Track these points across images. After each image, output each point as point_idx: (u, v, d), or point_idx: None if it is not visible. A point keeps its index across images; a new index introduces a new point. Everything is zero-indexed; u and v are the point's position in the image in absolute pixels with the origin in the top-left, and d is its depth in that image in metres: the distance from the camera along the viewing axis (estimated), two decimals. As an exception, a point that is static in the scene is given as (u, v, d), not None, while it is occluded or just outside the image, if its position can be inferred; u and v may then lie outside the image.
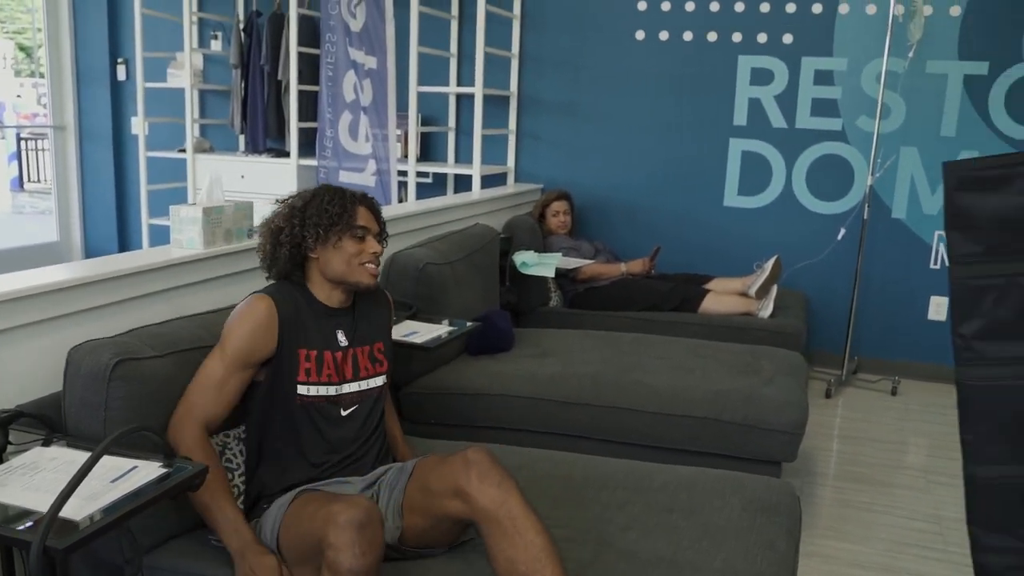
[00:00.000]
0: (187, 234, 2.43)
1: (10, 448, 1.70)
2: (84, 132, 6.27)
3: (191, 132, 5.34)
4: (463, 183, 5.18)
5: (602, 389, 2.92)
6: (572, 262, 4.26)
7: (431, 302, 3.08)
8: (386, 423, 2.24)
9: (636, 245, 4.84)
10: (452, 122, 5.29)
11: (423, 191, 5.11)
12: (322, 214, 2.01)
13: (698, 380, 2.97)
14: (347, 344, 2.05)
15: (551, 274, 3.98)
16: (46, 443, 1.74)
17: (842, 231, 4.49)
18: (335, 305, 2.07)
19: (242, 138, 5.73)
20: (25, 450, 1.70)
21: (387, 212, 3.54)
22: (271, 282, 2.10)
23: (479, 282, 3.54)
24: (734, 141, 4.76)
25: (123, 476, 1.58)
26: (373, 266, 2.06)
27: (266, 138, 5.55)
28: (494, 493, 1.73)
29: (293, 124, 4.97)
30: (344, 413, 2.03)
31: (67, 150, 6.30)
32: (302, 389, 1.97)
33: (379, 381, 2.12)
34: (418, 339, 2.61)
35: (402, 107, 4.71)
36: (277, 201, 2.12)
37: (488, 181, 4.93)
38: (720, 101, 4.75)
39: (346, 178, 4.34)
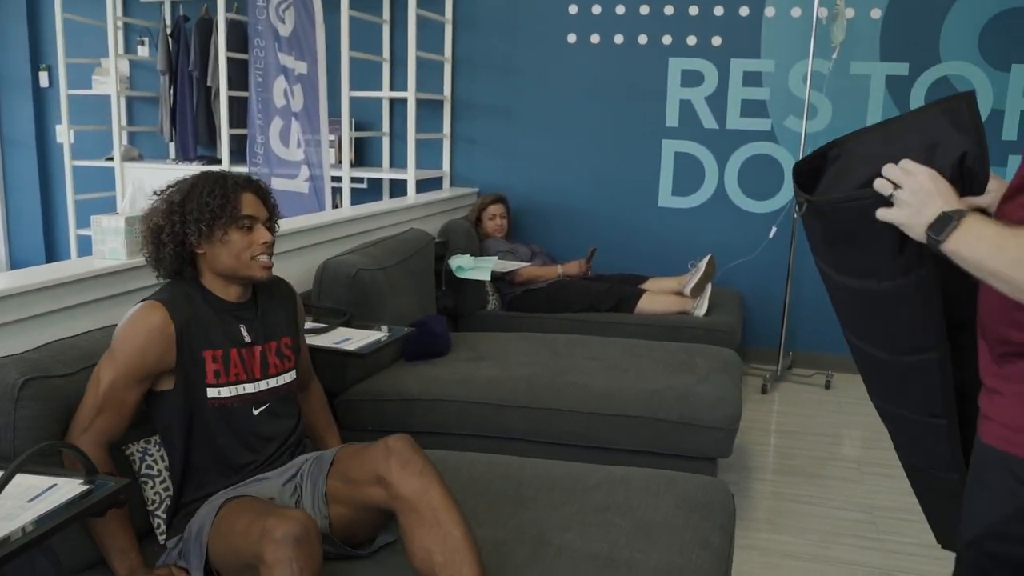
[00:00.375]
0: (109, 244, 2.37)
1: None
2: (6, 140, 6.07)
3: (119, 140, 5.22)
4: (399, 188, 5.15)
5: (537, 391, 2.93)
6: (509, 265, 4.27)
7: (365, 308, 3.05)
8: (311, 418, 2.20)
9: (572, 247, 4.87)
10: (386, 127, 5.26)
11: (358, 196, 5.07)
12: (203, 208, 1.86)
13: (633, 379, 3.00)
14: (251, 341, 1.97)
15: (487, 277, 3.98)
16: (-41, 463, 1.68)
17: (774, 229, 4.58)
18: (234, 299, 1.97)
19: (172, 145, 5.62)
20: (-63, 471, 1.64)
21: (321, 219, 3.52)
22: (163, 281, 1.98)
23: (414, 287, 3.52)
24: (667, 142, 4.82)
25: (41, 495, 1.53)
26: (265, 258, 1.94)
27: (197, 145, 5.45)
28: (415, 483, 1.71)
29: (224, 131, 4.89)
30: (256, 412, 1.96)
31: (-11, 160, 6.10)
32: (212, 392, 1.89)
33: (289, 377, 2.04)
34: (352, 346, 2.58)
35: (334, 112, 4.67)
36: (154, 193, 1.98)
37: (423, 185, 4.92)
38: (652, 103, 4.81)
39: (278, 185, 4.28)
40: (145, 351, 1.82)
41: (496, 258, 4.17)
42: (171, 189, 1.96)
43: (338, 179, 4.71)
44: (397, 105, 5.23)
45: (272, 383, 2.00)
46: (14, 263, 6.17)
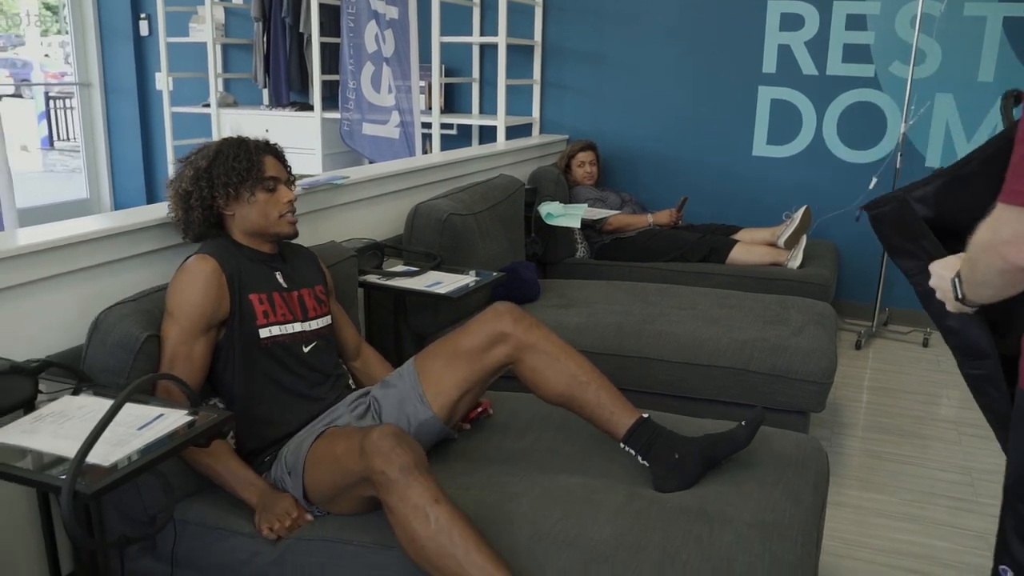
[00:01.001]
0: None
1: (40, 396, 1.72)
2: (109, 88, 6.27)
3: (215, 87, 5.33)
4: (488, 134, 5.13)
5: (626, 339, 2.90)
6: (598, 213, 4.22)
7: (455, 253, 3.06)
8: (378, 376, 2.25)
9: (663, 196, 4.78)
10: (476, 73, 5.23)
11: (447, 143, 5.07)
12: (230, 172, 1.98)
13: (724, 330, 2.94)
14: (288, 287, 2.07)
15: (577, 225, 3.94)
16: (75, 392, 1.76)
17: (874, 180, 4.40)
18: (266, 251, 2.08)
19: (265, 92, 5.71)
20: (55, 399, 1.72)
21: (412, 164, 3.53)
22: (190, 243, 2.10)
23: (504, 233, 3.52)
24: (763, 89, 4.67)
25: (150, 424, 1.59)
26: (291, 215, 2.05)
27: (289, 91, 5.52)
28: (536, 332, 1.96)
29: (316, 77, 4.94)
30: (306, 350, 2.05)
31: (93, 107, 6.31)
32: (264, 332, 1.98)
33: (326, 321, 2.14)
34: (442, 289, 2.60)
35: (425, 58, 4.66)
36: (178, 161, 2.10)
37: (513, 132, 4.89)
38: (748, 48, 4.64)
39: (370, 130, 4.30)
40: (204, 301, 1.90)
41: (586, 205, 4.13)
42: (196, 156, 2.05)
43: (428, 125, 4.72)
44: (487, 51, 5.19)
45: (314, 324, 2.09)
46: (117, 205, 6.41)
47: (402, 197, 3.32)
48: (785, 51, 4.59)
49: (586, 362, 1.98)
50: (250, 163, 2.00)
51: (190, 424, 1.61)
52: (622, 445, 1.94)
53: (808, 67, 4.56)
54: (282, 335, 2.00)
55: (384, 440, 1.63)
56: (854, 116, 4.53)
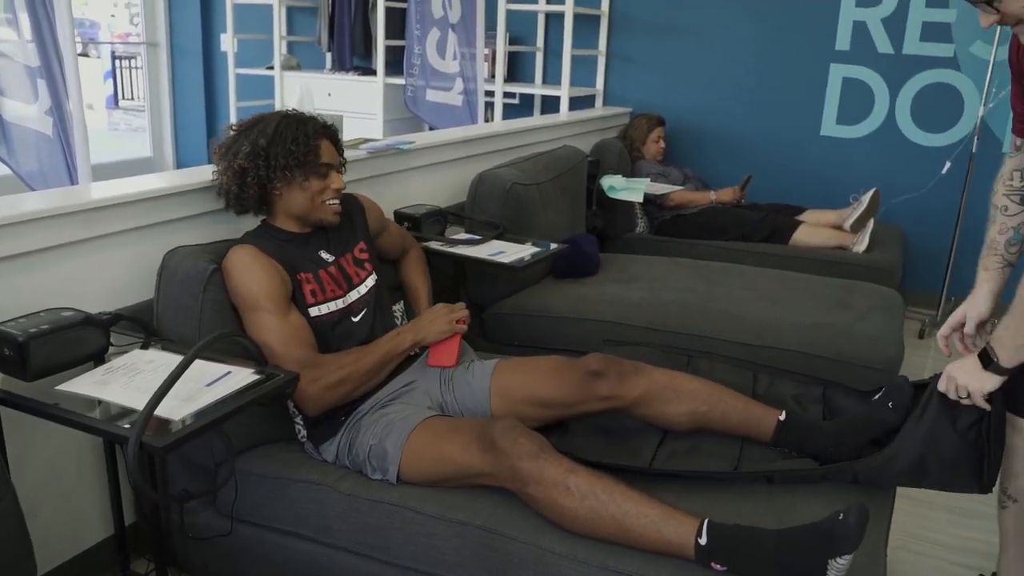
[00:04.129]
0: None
1: (111, 350, 1.74)
2: (175, 48, 6.33)
3: (278, 49, 5.34)
4: (550, 105, 5.07)
5: (688, 317, 2.86)
6: (661, 188, 4.16)
7: (517, 223, 3.04)
8: (410, 279, 2.37)
9: (726, 173, 4.69)
10: (540, 42, 5.16)
11: (509, 112, 5.02)
12: (288, 155, 1.95)
13: (788, 312, 2.88)
14: (332, 259, 2.07)
15: (639, 199, 3.88)
16: (144, 346, 1.78)
17: (948, 164, 4.26)
18: (308, 231, 2.07)
19: (329, 56, 5.71)
20: (124, 352, 1.74)
21: (475, 131, 3.51)
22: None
23: (566, 204, 3.48)
24: (835, 67, 4.53)
25: (218, 380, 1.60)
26: (336, 203, 2.04)
27: (353, 56, 5.52)
28: (639, 381, 1.91)
29: (380, 41, 4.91)
30: (356, 320, 2.05)
31: (159, 67, 6.38)
32: (314, 311, 1.98)
33: (371, 281, 2.13)
34: (504, 259, 2.58)
35: (490, 25, 4.61)
36: (230, 128, 2.06)
37: (575, 103, 4.82)
38: (821, 24, 4.51)
39: (433, 97, 4.28)
40: (266, 277, 1.89)
41: (648, 180, 4.06)
42: (252, 129, 2.00)
43: (490, 93, 4.68)
44: (553, 19, 5.11)
45: (360, 291, 2.09)
46: (179, 164, 6.50)
47: (465, 165, 3.30)
48: (860, 28, 4.44)
49: (697, 385, 1.94)
50: (307, 148, 1.97)
51: (256, 383, 1.62)
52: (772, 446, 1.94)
53: (884, 45, 4.41)
54: (332, 312, 2.01)
55: (505, 437, 1.66)
56: (930, 97, 4.38)
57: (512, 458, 1.64)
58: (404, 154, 2.89)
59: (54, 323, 1.62)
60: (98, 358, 1.71)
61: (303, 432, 1.98)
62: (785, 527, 1.53)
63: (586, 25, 4.97)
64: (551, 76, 5.16)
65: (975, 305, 1.89)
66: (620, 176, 3.96)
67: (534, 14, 5.11)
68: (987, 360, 1.62)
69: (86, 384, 1.60)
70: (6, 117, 2.95)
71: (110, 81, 11.67)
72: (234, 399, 1.55)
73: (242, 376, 1.63)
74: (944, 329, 1.94)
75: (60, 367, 1.62)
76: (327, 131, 2.06)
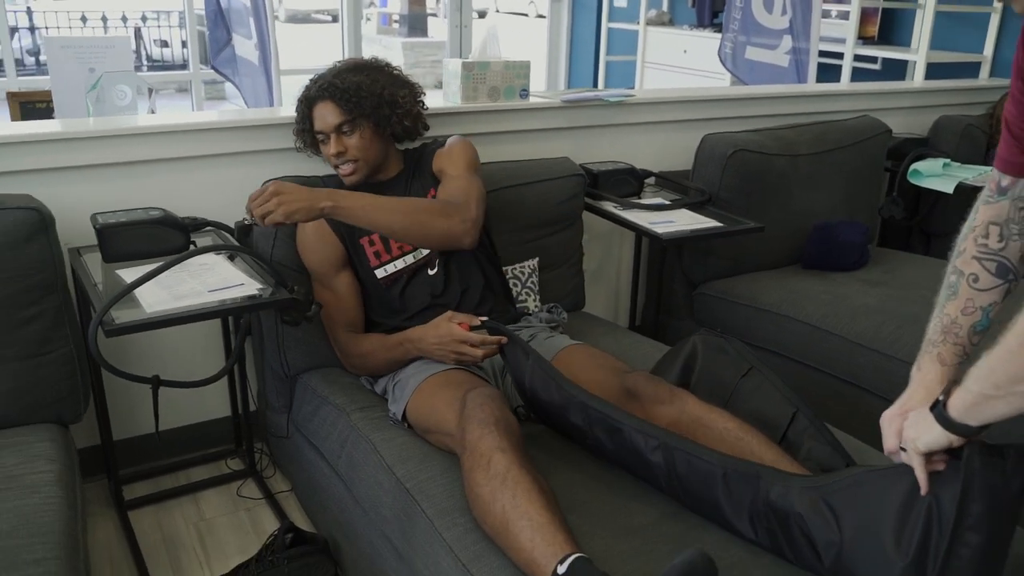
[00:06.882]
0: (451, 87, 2.46)
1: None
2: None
3: (644, 5, 5.28)
4: (937, 71, 4.28)
5: (907, 338, 2.25)
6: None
7: (745, 195, 2.69)
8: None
9: None
10: (927, -1, 4.39)
11: (862, 78, 4.35)
12: (296, 123, 2.03)
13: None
14: None
15: (948, 190, 3.15)
16: (231, 258, 1.95)
17: None
18: (376, 180, 2.01)
19: (695, 12, 5.53)
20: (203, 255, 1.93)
21: (718, 93, 3.09)
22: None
23: (842, 183, 2.96)
24: None
25: (223, 289, 1.73)
26: (346, 167, 1.96)
27: (713, 13, 5.25)
28: (668, 410, 1.64)
29: (736, -3, 4.60)
30: (432, 273, 1.96)
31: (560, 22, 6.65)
32: (380, 272, 1.95)
33: None
34: (661, 228, 2.31)
35: (850, -23, 4.04)
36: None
37: (949, 71, 4.03)
38: None
39: (753, 55, 3.92)
40: (317, 254, 1.96)
41: (991, 171, 3.26)
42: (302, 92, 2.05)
43: (835, 55, 4.13)
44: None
45: None
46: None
47: (711, 127, 2.95)
48: None
49: (730, 424, 1.59)
50: (303, 119, 2.00)
51: (251, 297, 1.71)
52: None
53: None
54: (399, 270, 1.96)
55: (475, 399, 1.55)
56: None
57: (466, 419, 1.51)
58: (613, 107, 2.71)
59: (135, 219, 1.87)
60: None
61: None
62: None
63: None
64: (939, 39, 4.36)
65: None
66: (942, 160, 3.25)
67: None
68: (934, 402, 1.12)
69: (135, 273, 1.79)
70: (238, 52, 3.40)
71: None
72: (205, 308, 1.66)
73: (246, 290, 1.73)
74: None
75: (136, 255, 1.86)
76: (323, 93, 1.94)
